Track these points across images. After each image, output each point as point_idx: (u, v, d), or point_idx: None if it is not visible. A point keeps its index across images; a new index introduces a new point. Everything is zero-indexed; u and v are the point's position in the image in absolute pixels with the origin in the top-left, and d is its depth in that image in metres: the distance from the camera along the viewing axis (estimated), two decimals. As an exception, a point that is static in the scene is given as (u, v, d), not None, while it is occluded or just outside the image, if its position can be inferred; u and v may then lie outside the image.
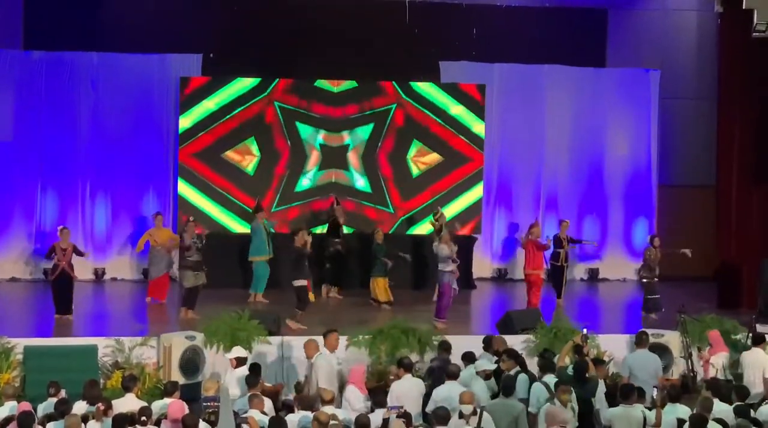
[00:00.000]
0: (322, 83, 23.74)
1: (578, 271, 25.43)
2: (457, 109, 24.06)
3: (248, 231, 22.27)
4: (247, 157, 23.57)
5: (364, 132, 23.88)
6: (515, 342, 17.43)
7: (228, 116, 23.43)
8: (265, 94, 23.53)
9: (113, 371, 16.93)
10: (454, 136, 24.01)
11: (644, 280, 21.14)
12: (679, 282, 24.15)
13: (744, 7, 20.81)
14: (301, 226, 20.41)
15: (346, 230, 22.88)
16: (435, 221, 21.58)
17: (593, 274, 25.49)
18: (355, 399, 14.56)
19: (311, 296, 20.29)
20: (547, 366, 14.93)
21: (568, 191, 25.52)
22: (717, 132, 23.03)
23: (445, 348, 16.16)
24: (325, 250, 22.32)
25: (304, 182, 23.71)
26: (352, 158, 23.87)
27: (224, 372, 16.09)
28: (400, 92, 23.89)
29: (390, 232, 23.38)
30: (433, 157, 24.05)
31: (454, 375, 14.54)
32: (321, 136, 23.73)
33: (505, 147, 25.21)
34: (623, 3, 25.29)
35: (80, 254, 20.22)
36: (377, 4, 23.98)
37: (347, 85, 23.83)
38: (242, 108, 23.47)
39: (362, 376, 15.48)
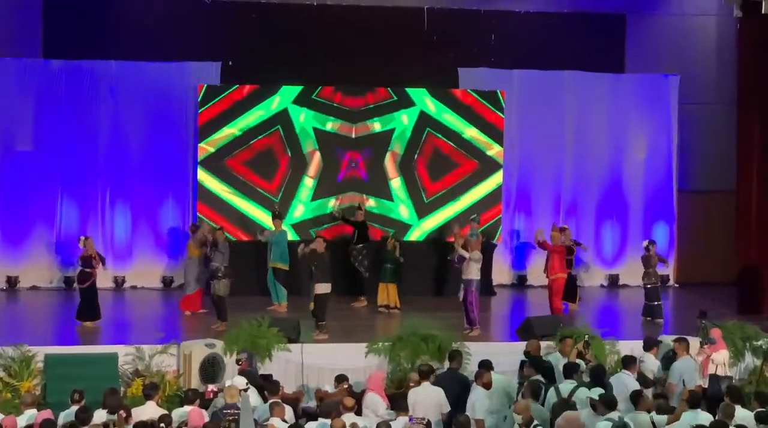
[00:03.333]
0: (343, 99, 23.75)
1: (598, 277, 25.38)
2: (478, 116, 24.01)
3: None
4: (270, 166, 23.57)
5: (390, 142, 23.86)
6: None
7: (247, 122, 23.44)
8: (284, 100, 23.51)
9: (134, 379, 16.97)
10: (475, 144, 23.96)
11: (648, 286, 21.13)
12: (699, 288, 24.17)
13: (763, 12, 20.75)
14: (318, 233, 20.37)
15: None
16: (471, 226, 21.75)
17: (613, 280, 25.41)
18: (377, 405, 14.55)
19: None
20: (568, 370, 14.97)
21: (588, 197, 25.45)
22: (737, 136, 22.93)
23: (455, 358, 16.08)
24: (355, 259, 22.33)
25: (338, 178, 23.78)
26: (388, 166, 23.88)
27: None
28: (425, 100, 23.84)
29: (418, 240, 23.67)
30: (456, 166, 23.99)
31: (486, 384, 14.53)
32: (332, 125, 23.68)
33: (524, 153, 25.15)
34: (642, 8, 25.22)
35: (103, 261, 20.44)
36: (396, 12, 24.00)
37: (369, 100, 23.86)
38: (262, 114, 23.46)
39: (382, 383, 15.47)
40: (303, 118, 23.55)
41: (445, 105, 23.92)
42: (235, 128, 23.40)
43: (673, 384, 15.66)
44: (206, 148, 23.31)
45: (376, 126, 23.80)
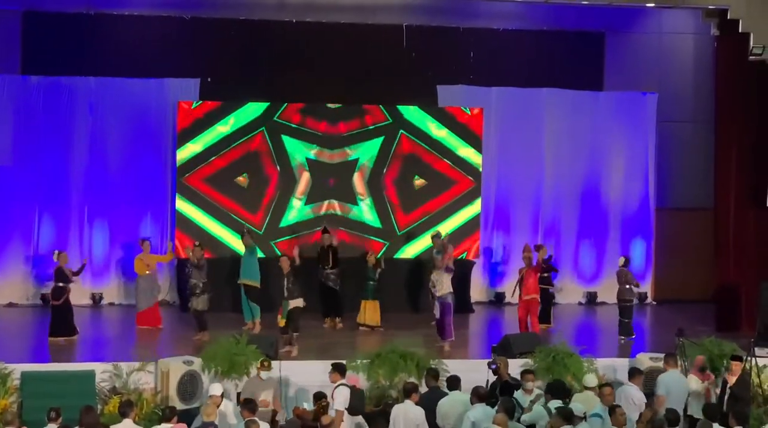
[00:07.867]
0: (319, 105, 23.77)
1: (576, 295, 25.41)
2: (455, 133, 24.01)
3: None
4: (245, 180, 23.54)
5: (359, 152, 23.90)
6: (513, 365, 17.38)
7: (225, 140, 23.43)
8: (263, 116, 23.51)
9: (111, 396, 16.91)
10: (450, 160, 23.96)
11: (629, 304, 21.13)
12: (677, 305, 24.21)
13: (740, 31, 20.88)
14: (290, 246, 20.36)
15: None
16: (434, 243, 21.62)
17: (591, 298, 25.45)
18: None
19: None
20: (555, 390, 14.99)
21: (566, 214, 25.49)
22: (714, 154, 23.04)
23: (433, 375, 16.01)
24: (327, 279, 22.11)
25: (293, 215, 23.67)
26: (357, 180, 23.83)
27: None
28: (388, 115, 23.83)
29: (380, 255, 23.32)
30: (430, 183, 24.01)
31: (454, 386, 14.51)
32: (312, 152, 23.65)
33: (503, 171, 25.18)
34: (620, 27, 25.31)
35: (78, 272, 20.51)
36: (374, 28, 24.05)
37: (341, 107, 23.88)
38: (240, 131, 23.45)
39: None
40: (274, 127, 23.54)
41: (420, 119, 23.96)
42: (216, 142, 23.42)
43: (662, 397, 15.62)
44: (185, 161, 23.34)
45: (351, 146, 23.86)
